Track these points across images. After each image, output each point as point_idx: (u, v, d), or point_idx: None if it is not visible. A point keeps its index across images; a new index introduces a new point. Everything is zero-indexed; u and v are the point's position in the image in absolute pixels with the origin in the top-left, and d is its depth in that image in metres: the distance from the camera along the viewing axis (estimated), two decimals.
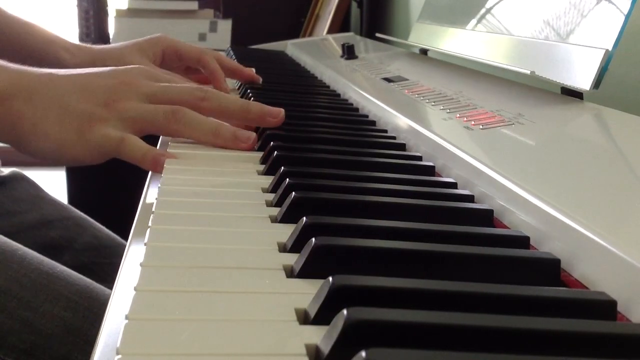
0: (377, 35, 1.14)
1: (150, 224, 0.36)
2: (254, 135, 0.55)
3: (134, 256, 0.35)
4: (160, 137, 0.60)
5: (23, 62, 0.57)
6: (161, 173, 0.47)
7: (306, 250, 0.31)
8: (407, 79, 0.78)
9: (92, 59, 0.82)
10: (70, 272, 0.69)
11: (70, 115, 0.53)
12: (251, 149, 0.55)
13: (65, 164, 0.56)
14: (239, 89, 0.88)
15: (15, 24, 0.84)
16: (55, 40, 0.84)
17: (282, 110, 0.59)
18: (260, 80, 0.87)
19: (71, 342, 0.63)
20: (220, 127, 0.54)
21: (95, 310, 0.66)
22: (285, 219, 0.38)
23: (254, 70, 0.88)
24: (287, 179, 0.42)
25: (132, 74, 0.57)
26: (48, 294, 0.64)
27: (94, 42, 1.75)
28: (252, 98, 0.74)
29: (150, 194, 0.46)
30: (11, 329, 0.61)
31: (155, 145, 0.55)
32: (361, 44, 1.25)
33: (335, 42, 1.30)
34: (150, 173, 0.51)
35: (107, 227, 0.94)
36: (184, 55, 0.85)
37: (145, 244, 0.33)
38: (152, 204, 0.40)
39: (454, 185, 0.46)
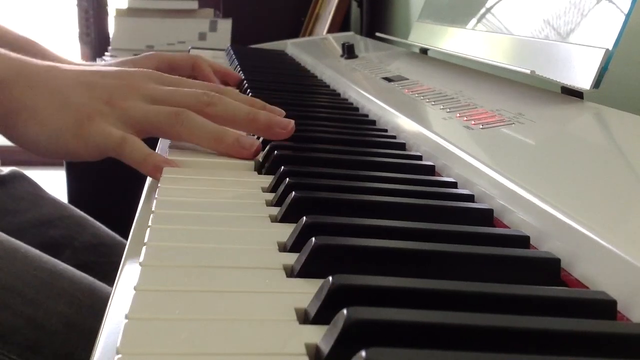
0: (377, 34, 1.14)
1: (150, 223, 0.36)
2: (257, 142, 0.52)
3: (133, 255, 0.35)
4: (159, 140, 0.59)
5: None
6: (158, 180, 0.46)
7: (306, 250, 0.31)
8: (407, 79, 0.78)
9: None
10: (72, 269, 0.70)
11: (70, 108, 0.52)
12: (254, 157, 0.52)
13: (60, 158, 0.55)
14: (237, 86, 0.88)
15: (17, 42, 0.84)
16: (56, 58, 0.84)
17: (291, 122, 0.56)
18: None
19: (74, 338, 0.64)
20: (224, 132, 0.52)
21: (98, 307, 0.66)
22: (285, 218, 0.38)
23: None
24: (287, 179, 0.42)
25: (139, 77, 0.56)
26: (51, 291, 0.64)
27: (94, 42, 1.76)
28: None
29: (150, 193, 0.46)
30: (15, 326, 0.61)
31: (154, 148, 0.55)
32: (361, 43, 1.25)
33: (335, 41, 1.30)
34: None
35: (107, 226, 0.94)
36: (178, 65, 0.85)
37: (145, 244, 0.33)
38: (151, 204, 0.40)
39: (454, 184, 0.46)
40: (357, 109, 0.75)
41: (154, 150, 0.52)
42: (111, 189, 1.66)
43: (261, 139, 0.55)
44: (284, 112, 0.58)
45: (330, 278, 0.27)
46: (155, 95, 0.54)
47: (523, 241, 0.36)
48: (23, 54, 0.57)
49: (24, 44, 0.84)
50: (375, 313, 0.24)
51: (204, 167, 0.49)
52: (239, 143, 0.52)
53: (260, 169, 0.50)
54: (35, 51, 0.83)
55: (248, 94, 0.76)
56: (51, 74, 0.54)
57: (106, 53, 1.70)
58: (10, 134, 0.54)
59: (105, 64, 0.86)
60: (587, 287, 0.31)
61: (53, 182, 1.48)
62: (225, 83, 0.88)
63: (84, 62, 0.88)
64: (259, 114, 0.55)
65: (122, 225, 0.64)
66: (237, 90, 0.58)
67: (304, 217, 0.34)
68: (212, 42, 1.72)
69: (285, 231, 0.36)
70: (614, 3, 0.53)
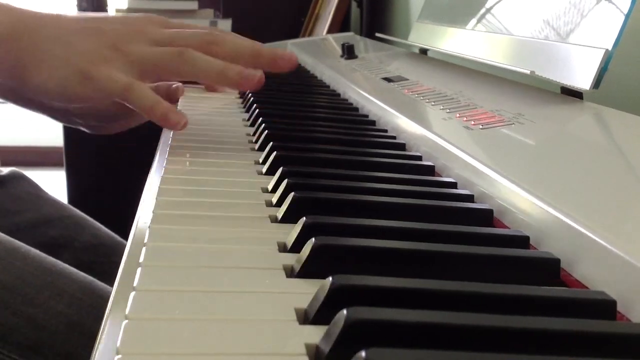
0: (377, 35, 1.14)
1: (150, 223, 0.36)
2: (260, 73, 0.55)
3: (133, 256, 0.35)
4: (162, 136, 0.59)
5: None
6: (170, 128, 0.48)
7: (306, 250, 0.31)
8: (407, 79, 0.78)
9: None
10: (72, 269, 0.70)
11: (75, 53, 0.53)
12: (257, 89, 0.55)
13: (70, 102, 0.56)
14: None
15: None
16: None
17: (294, 54, 0.58)
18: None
19: (75, 338, 0.64)
20: (227, 67, 0.54)
21: (99, 307, 0.66)
22: (285, 218, 0.38)
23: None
24: (287, 179, 0.42)
25: (143, 21, 0.57)
26: (52, 290, 0.64)
27: None
28: (252, 98, 0.74)
29: (150, 193, 0.46)
30: (15, 326, 0.61)
31: (155, 147, 0.55)
32: (361, 43, 1.25)
33: (335, 41, 1.30)
34: (151, 171, 0.51)
35: (106, 226, 0.94)
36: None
37: (145, 244, 0.33)
38: (151, 204, 0.40)
39: (453, 185, 0.46)
40: (357, 109, 0.75)
41: (157, 138, 0.53)
42: (111, 189, 1.66)
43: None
44: (294, 54, 0.60)
45: (330, 278, 0.27)
46: (159, 37, 0.55)
47: (523, 241, 0.36)
48: None
49: None
50: (375, 313, 0.24)
51: (204, 167, 0.49)
52: (243, 75, 0.54)
53: (260, 169, 0.50)
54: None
55: (248, 94, 0.76)
56: (56, 23, 0.55)
57: None
58: (19, 84, 0.55)
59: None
60: (586, 287, 0.31)
61: (53, 183, 1.48)
62: None
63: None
64: (262, 48, 0.57)
65: (122, 226, 0.64)
66: (229, 34, 0.61)
67: (304, 218, 0.34)
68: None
69: (285, 231, 0.36)
70: (613, 3, 0.53)
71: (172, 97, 0.73)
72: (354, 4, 1.74)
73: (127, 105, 0.52)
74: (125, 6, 1.79)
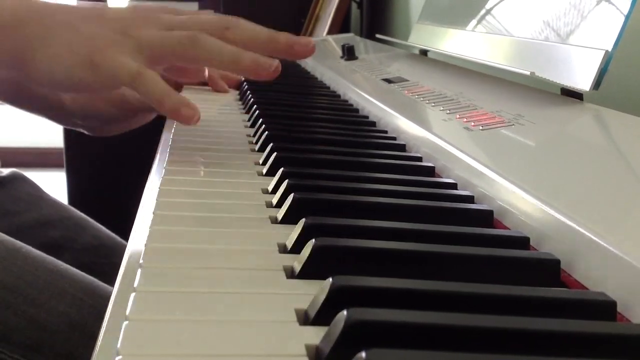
0: (377, 36, 1.15)
1: (150, 224, 0.36)
2: (277, 62, 0.52)
3: (134, 256, 0.35)
4: (162, 137, 0.59)
5: None
6: (182, 122, 0.46)
7: (306, 251, 0.31)
8: (407, 80, 0.78)
9: None
10: (73, 269, 0.70)
11: (82, 37, 0.51)
12: (273, 77, 0.52)
13: (77, 90, 0.55)
14: (237, 87, 0.88)
15: None
16: None
17: (311, 40, 0.56)
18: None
19: (76, 338, 0.64)
20: (241, 54, 0.51)
21: (100, 307, 0.66)
22: (285, 219, 0.38)
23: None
24: (287, 180, 0.42)
25: (154, 9, 0.55)
26: (53, 291, 0.64)
27: None
28: (251, 99, 0.74)
29: (150, 194, 0.46)
30: (17, 326, 0.61)
31: (155, 148, 0.55)
32: (361, 44, 1.25)
33: (335, 43, 1.30)
34: (151, 172, 0.51)
35: (107, 227, 0.94)
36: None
37: (145, 245, 0.33)
38: (152, 205, 0.40)
39: (454, 186, 0.46)
40: (357, 110, 0.75)
41: (155, 152, 0.52)
42: (111, 190, 1.66)
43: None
44: (312, 40, 0.57)
45: (331, 279, 0.27)
46: (171, 22, 0.53)
47: (523, 242, 0.36)
48: None
49: None
50: (376, 314, 0.24)
51: (204, 168, 0.49)
52: (258, 63, 0.51)
53: (260, 170, 0.50)
54: None
55: (248, 95, 0.76)
56: (63, 9, 0.53)
57: None
58: (25, 73, 0.54)
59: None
60: (587, 288, 0.31)
61: (53, 184, 1.48)
62: (226, 81, 0.89)
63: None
64: (279, 34, 0.54)
65: (123, 227, 0.64)
66: (243, 20, 0.58)
67: (304, 219, 0.34)
68: None
69: (286, 232, 0.36)
70: (613, 4, 0.53)
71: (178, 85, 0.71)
72: (354, 5, 1.74)
73: (135, 91, 0.50)
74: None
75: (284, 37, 0.54)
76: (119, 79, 0.50)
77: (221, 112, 0.75)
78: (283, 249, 0.35)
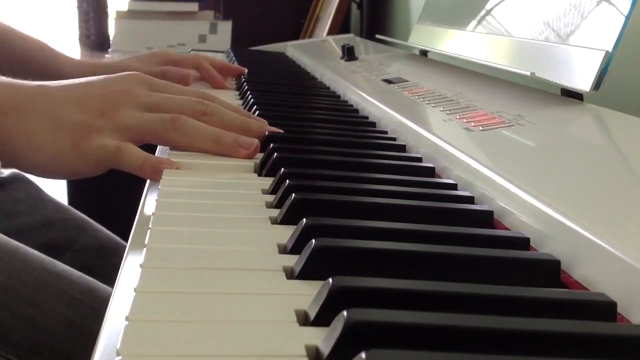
0: (377, 36, 1.15)
1: (150, 225, 0.36)
2: (256, 142, 0.53)
3: (134, 257, 0.35)
4: (158, 146, 0.59)
5: (25, 78, 0.55)
6: (159, 183, 0.46)
7: (306, 252, 0.31)
8: (407, 81, 0.78)
9: (93, 71, 0.81)
10: (72, 270, 0.70)
11: (64, 127, 0.51)
12: (252, 157, 0.52)
13: (63, 178, 0.55)
14: (238, 87, 0.88)
15: (17, 39, 0.86)
16: (57, 56, 0.86)
17: (280, 131, 0.57)
18: (246, 70, 0.95)
19: (74, 339, 0.64)
20: (221, 134, 0.53)
21: (98, 308, 0.66)
22: (285, 220, 0.38)
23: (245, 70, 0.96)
24: (287, 180, 0.42)
25: (127, 82, 0.55)
26: (51, 291, 0.64)
27: (94, 44, 1.76)
28: (252, 100, 0.74)
29: (150, 195, 0.46)
30: (14, 327, 0.61)
31: (153, 153, 0.55)
32: (361, 45, 1.25)
33: (335, 43, 1.30)
34: None
35: (107, 228, 0.94)
36: (182, 65, 0.90)
37: (145, 245, 0.33)
38: (152, 206, 0.40)
39: (454, 186, 0.46)
40: (357, 110, 0.75)
41: (153, 154, 0.52)
42: (111, 191, 1.65)
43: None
44: (266, 122, 0.58)
45: (331, 280, 0.27)
46: (148, 102, 0.54)
47: (523, 243, 0.36)
48: (28, 53, 0.56)
49: (28, 45, 0.85)
50: (375, 315, 0.24)
51: (203, 169, 0.49)
52: (238, 143, 0.52)
53: (260, 170, 0.50)
54: (37, 49, 0.85)
55: (249, 96, 0.76)
56: (41, 97, 0.53)
57: (106, 55, 1.71)
58: (11, 161, 0.54)
59: (113, 60, 0.88)
60: (587, 289, 0.31)
61: (53, 185, 1.48)
62: (227, 77, 0.94)
63: (89, 60, 0.90)
64: (251, 123, 0.56)
65: (123, 227, 0.64)
66: (222, 99, 0.59)
67: (304, 219, 0.34)
68: (212, 44, 1.72)
69: (286, 233, 0.36)
70: (613, 5, 0.53)
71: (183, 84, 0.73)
72: (354, 6, 1.74)
73: (120, 169, 0.51)
74: (125, 7, 1.79)
75: (256, 126, 0.56)
76: (103, 162, 0.51)
77: None
78: (283, 250, 0.35)
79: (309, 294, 0.28)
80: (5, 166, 0.55)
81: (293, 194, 0.39)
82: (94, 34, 1.77)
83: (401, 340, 0.23)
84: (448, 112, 0.59)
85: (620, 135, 0.47)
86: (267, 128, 0.57)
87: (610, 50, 0.51)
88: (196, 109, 0.54)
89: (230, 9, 1.89)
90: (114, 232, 0.94)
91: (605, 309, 0.28)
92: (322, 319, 0.26)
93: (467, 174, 0.45)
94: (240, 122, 0.55)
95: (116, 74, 0.57)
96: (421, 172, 0.50)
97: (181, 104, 0.54)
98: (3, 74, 0.55)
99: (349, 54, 1.04)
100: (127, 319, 0.26)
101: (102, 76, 0.57)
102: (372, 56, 1.08)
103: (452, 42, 0.85)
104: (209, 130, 0.53)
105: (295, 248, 0.34)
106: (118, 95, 0.53)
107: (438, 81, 0.75)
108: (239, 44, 1.67)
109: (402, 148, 0.58)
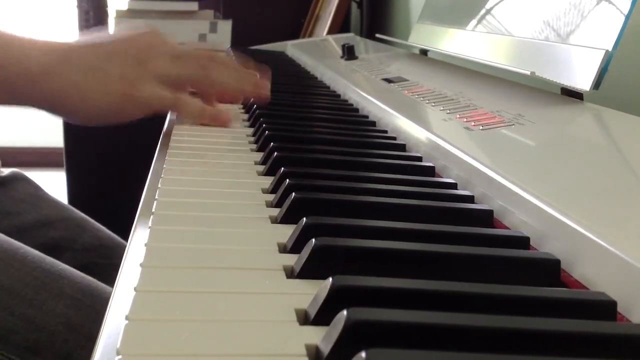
0: (377, 35, 1.14)
1: (150, 224, 0.36)
2: (268, 82, 0.66)
3: (134, 256, 0.35)
4: (161, 137, 0.59)
5: None
6: (223, 125, 0.60)
7: (306, 251, 0.31)
8: (407, 80, 0.78)
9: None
10: (72, 270, 0.70)
11: (111, 80, 0.57)
12: (267, 97, 0.66)
13: (117, 122, 0.61)
14: None
15: None
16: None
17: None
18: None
19: (74, 339, 0.64)
20: (246, 74, 0.65)
21: (98, 308, 0.66)
22: (285, 219, 0.38)
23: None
24: (287, 180, 0.42)
25: (149, 36, 0.62)
26: (51, 291, 0.64)
27: None
28: (252, 99, 0.74)
29: (150, 194, 0.46)
30: (14, 327, 0.61)
31: (155, 147, 0.56)
32: (361, 44, 1.25)
33: (335, 42, 1.30)
34: (150, 173, 0.51)
35: (107, 227, 0.94)
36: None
37: (145, 245, 0.33)
38: (152, 204, 0.40)
39: (454, 185, 0.46)
40: (357, 110, 0.75)
41: (154, 152, 0.54)
42: (111, 191, 1.66)
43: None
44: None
45: (331, 279, 0.27)
46: (176, 52, 0.62)
47: (523, 242, 0.36)
48: None
49: None
50: (375, 314, 0.24)
51: (203, 168, 0.49)
52: (258, 84, 0.66)
53: (261, 169, 0.50)
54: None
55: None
56: (87, 51, 0.59)
57: None
58: (61, 113, 0.60)
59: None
60: (587, 288, 0.31)
61: (53, 184, 1.48)
62: None
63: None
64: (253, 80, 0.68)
65: (123, 227, 0.64)
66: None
67: (304, 218, 0.34)
68: (212, 43, 1.72)
69: (286, 232, 0.36)
70: (613, 4, 0.53)
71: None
72: (354, 5, 1.74)
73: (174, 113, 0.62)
74: (125, 7, 1.79)
75: (252, 76, 0.68)
76: (153, 106, 0.59)
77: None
78: (283, 249, 0.35)
79: (309, 293, 0.28)
80: (59, 116, 0.62)
81: (293, 193, 0.39)
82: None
83: (401, 340, 0.23)
84: (448, 111, 0.59)
85: (620, 135, 0.47)
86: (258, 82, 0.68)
87: (610, 49, 0.51)
88: (212, 57, 0.64)
89: (230, 8, 1.89)
90: (113, 231, 0.94)
91: (605, 308, 0.28)
92: (322, 318, 0.26)
93: (467, 173, 0.45)
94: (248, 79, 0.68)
95: (133, 33, 0.63)
96: (421, 172, 0.50)
97: (198, 55, 0.64)
98: None
99: (349, 53, 1.04)
100: (127, 318, 0.26)
101: (123, 34, 0.63)
102: (372, 55, 1.08)
103: (452, 42, 0.85)
104: (235, 72, 0.65)
105: (295, 247, 0.34)
106: (147, 49, 0.61)
107: (438, 80, 0.75)
108: (239, 43, 1.67)
109: (402, 147, 0.58)
